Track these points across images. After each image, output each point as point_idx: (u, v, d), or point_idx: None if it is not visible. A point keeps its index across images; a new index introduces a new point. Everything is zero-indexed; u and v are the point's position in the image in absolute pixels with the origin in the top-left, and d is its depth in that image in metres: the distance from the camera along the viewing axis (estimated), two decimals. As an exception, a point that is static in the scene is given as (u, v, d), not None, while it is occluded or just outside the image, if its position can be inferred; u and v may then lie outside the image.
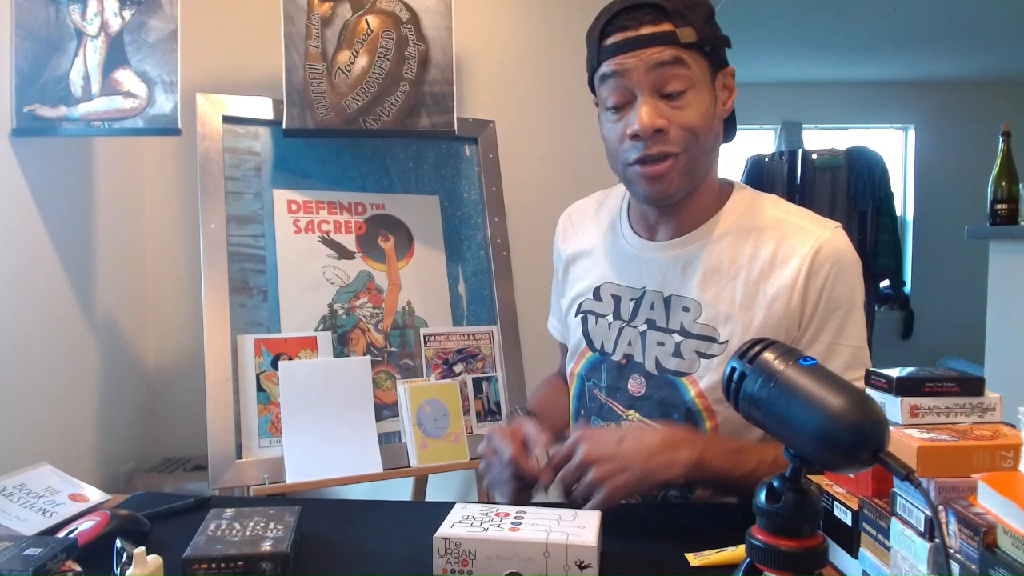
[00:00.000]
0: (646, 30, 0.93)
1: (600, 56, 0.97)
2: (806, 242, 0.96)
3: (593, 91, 1.04)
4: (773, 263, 0.97)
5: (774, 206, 1.03)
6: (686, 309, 1.01)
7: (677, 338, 1.01)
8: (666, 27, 0.93)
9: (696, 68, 0.94)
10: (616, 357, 1.07)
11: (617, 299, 1.08)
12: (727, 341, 0.98)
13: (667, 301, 1.03)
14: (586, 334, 1.11)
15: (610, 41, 0.95)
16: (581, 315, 1.13)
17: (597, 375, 1.10)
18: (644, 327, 1.04)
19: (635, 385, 1.05)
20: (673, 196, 0.98)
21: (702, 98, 0.95)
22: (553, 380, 1.29)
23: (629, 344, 1.06)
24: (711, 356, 0.98)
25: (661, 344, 1.02)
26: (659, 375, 1.03)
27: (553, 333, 1.29)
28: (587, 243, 1.16)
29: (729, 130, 1.04)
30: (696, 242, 1.02)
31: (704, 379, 0.99)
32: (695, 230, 1.03)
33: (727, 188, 1.06)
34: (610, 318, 1.08)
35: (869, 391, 0.75)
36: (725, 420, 0.99)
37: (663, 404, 1.01)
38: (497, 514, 0.85)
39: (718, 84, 0.98)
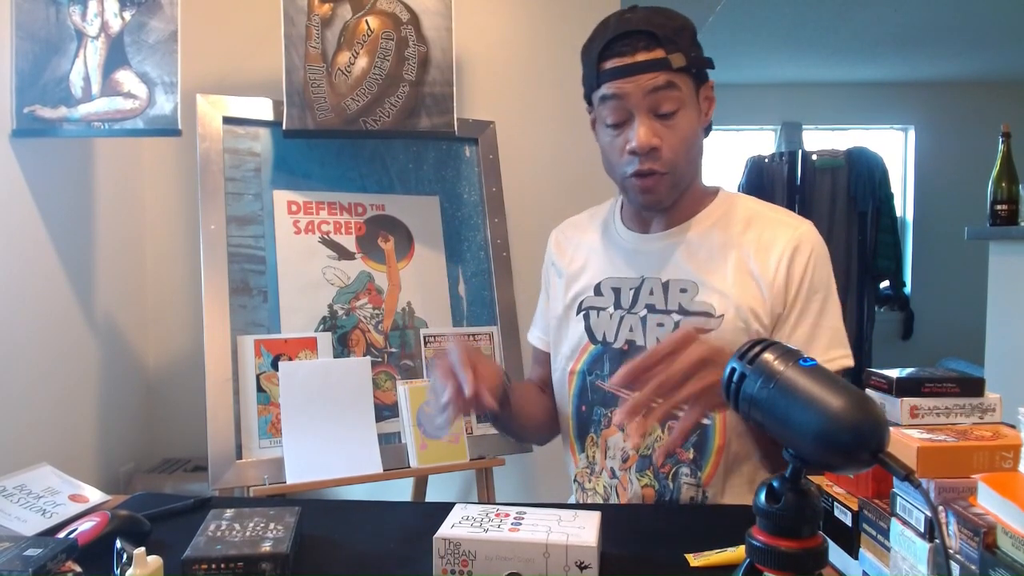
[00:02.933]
0: (641, 56, 1.01)
1: (600, 79, 1.05)
2: (787, 232, 1.07)
3: (588, 103, 1.11)
4: (759, 248, 1.07)
5: (755, 203, 1.14)
6: (683, 290, 1.08)
7: (676, 317, 1.08)
8: (659, 53, 1.01)
9: (685, 89, 1.04)
10: (618, 345, 1.12)
11: (617, 291, 1.14)
12: (723, 315, 1.04)
13: (665, 286, 1.10)
14: (588, 329, 1.15)
15: (608, 65, 1.04)
16: (583, 312, 1.17)
17: (600, 367, 1.14)
18: (644, 312, 1.10)
19: None
20: (663, 203, 1.09)
21: (690, 117, 1.05)
22: (527, 383, 1.32)
23: (630, 330, 1.11)
24: (708, 331, 1.04)
25: (661, 325, 1.08)
26: None
27: (534, 342, 1.31)
28: (584, 249, 1.22)
29: (706, 130, 1.13)
30: (688, 231, 1.12)
31: None
32: (686, 221, 1.12)
33: (712, 189, 1.17)
34: (611, 309, 1.14)
35: (869, 392, 0.75)
36: None
37: None
38: (497, 515, 0.85)
39: (701, 96, 1.08)
